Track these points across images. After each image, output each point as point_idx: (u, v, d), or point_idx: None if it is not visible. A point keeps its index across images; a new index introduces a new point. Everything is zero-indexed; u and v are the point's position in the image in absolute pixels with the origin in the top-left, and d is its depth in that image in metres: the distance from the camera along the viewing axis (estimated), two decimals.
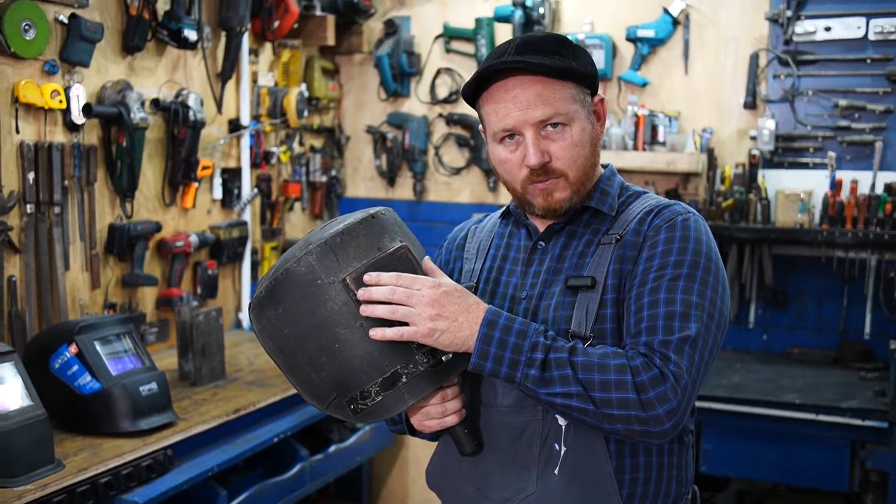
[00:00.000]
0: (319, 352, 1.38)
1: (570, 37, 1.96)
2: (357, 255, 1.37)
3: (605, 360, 1.36)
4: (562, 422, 1.46)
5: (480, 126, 1.60)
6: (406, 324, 1.37)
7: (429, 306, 1.36)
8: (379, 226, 1.43)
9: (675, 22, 3.51)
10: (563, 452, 1.46)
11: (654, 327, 1.39)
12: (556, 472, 1.47)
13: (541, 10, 3.58)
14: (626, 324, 1.44)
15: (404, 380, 1.38)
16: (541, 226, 1.59)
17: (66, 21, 2.67)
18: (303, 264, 1.36)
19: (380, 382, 1.38)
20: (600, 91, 1.59)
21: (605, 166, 1.63)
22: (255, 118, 3.61)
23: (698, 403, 1.69)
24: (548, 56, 1.46)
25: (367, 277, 1.37)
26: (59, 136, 2.71)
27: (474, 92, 1.53)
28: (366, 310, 1.36)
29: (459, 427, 1.51)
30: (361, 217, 1.42)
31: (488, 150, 1.58)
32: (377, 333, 1.36)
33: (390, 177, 4.05)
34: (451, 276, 1.67)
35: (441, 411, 1.49)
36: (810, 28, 3.31)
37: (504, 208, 1.70)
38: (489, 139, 1.55)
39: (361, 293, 1.36)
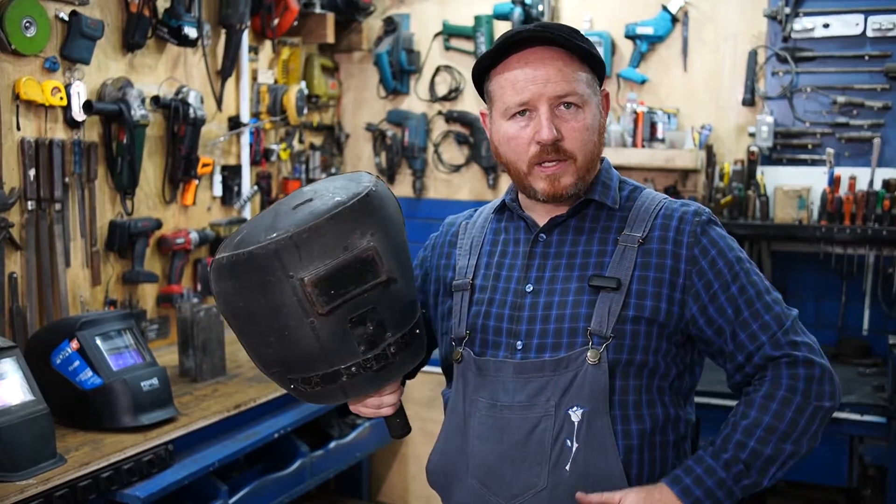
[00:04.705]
0: (269, 332, 1.38)
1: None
2: (321, 254, 1.33)
3: (773, 408, 1.47)
4: (575, 418, 1.46)
5: (482, 109, 1.58)
6: None
7: None
8: (352, 219, 1.36)
9: (674, 19, 3.51)
10: (574, 449, 1.46)
11: (766, 325, 1.48)
12: (567, 468, 1.46)
13: (540, 8, 3.58)
14: (723, 344, 1.50)
15: (344, 379, 1.39)
16: (540, 218, 1.58)
17: (66, 18, 2.68)
18: (265, 252, 1.32)
19: (322, 375, 1.39)
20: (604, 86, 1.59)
21: (601, 160, 1.62)
22: (255, 115, 3.62)
23: (697, 399, 1.69)
24: (570, 38, 1.47)
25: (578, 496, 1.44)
26: (59, 133, 2.72)
27: (488, 66, 1.51)
28: None
29: (392, 416, 1.54)
30: (334, 208, 1.35)
31: (492, 130, 1.54)
32: None
33: (390, 174, 4.05)
34: (438, 275, 1.68)
35: (377, 404, 1.53)
36: (808, 25, 3.32)
37: (498, 202, 1.67)
38: (497, 116, 1.51)
39: None
